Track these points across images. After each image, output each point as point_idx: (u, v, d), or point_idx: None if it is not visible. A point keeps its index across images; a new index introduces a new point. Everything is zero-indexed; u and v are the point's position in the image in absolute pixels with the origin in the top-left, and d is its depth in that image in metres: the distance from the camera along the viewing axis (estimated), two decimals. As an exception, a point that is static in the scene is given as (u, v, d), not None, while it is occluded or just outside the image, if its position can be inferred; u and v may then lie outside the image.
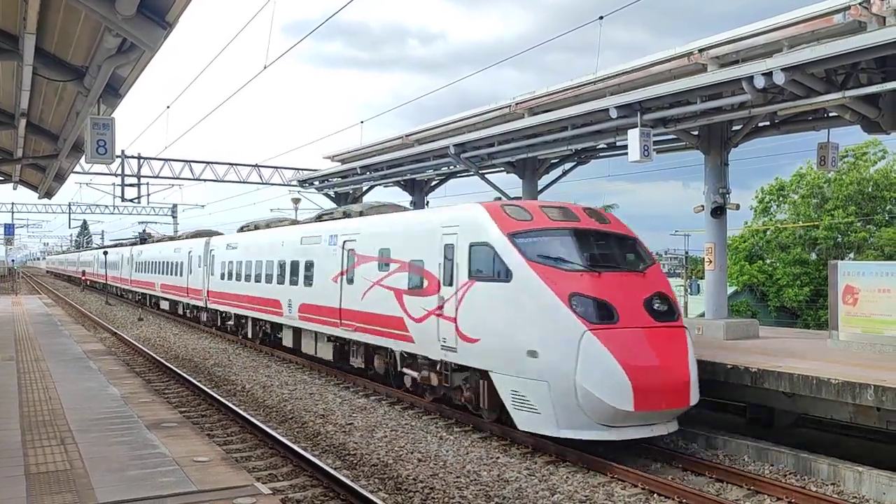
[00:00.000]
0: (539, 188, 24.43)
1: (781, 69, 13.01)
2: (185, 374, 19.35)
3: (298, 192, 39.97)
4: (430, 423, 14.35)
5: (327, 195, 36.23)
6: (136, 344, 26.18)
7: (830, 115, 16.17)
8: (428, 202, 31.07)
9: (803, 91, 13.86)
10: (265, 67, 17.37)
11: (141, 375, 18.90)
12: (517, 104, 22.02)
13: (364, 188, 34.02)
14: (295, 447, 11.92)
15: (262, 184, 43.01)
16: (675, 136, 18.15)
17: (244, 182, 42.68)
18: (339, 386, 18.48)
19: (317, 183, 35.45)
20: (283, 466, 11.48)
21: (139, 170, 40.38)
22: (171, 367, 20.69)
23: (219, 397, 16.25)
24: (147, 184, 43.91)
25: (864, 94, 13.43)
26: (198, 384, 17.90)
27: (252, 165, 42.52)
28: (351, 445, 12.76)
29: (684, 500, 9.68)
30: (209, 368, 21.67)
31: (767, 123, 17.72)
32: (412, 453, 12.20)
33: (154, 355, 23.11)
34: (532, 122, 20.00)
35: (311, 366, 21.09)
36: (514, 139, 20.97)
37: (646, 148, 15.92)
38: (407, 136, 28.08)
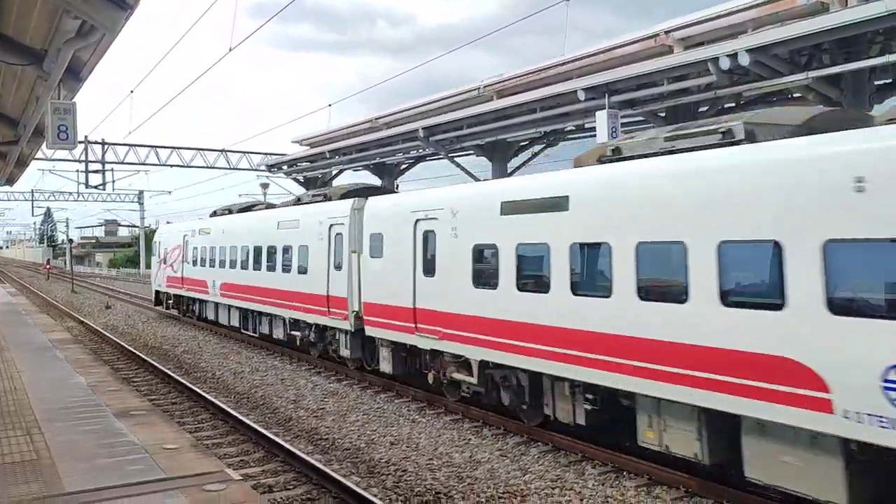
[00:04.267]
0: (508, 171, 24.47)
1: (746, 50, 13.14)
2: (153, 362, 19.15)
3: (267, 176, 39.65)
4: (403, 407, 14.37)
5: (296, 179, 36.03)
6: (104, 332, 25.84)
7: (794, 95, 16.38)
8: (398, 186, 31.00)
9: (767, 72, 14.00)
10: (230, 50, 17.15)
11: (109, 364, 18.69)
12: (486, 87, 22.00)
13: (333, 172, 33.85)
14: (266, 433, 11.89)
15: (230, 169, 42.66)
16: (642, 118, 18.26)
17: (211, 167, 42.29)
18: (310, 371, 18.42)
19: (285, 167, 35.23)
20: (254, 452, 11.44)
21: (103, 155, 39.77)
22: (140, 354, 20.47)
23: (188, 384, 16.12)
24: (112, 170, 43.24)
25: (827, 74, 13.61)
26: (167, 371, 17.74)
27: (219, 150, 42.12)
28: (323, 430, 12.75)
29: (653, 478, 9.82)
30: (178, 356, 21.47)
31: (733, 104, 17.89)
32: (384, 437, 12.23)
33: (122, 343, 22.84)
34: (501, 105, 20.02)
35: (282, 351, 21.00)
36: (483, 122, 20.98)
37: (614, 129, 16.02)
38: (376, 119, 27.95)
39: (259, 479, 10.03)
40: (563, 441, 11.33)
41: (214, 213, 27.61)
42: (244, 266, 22.00)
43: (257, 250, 21.17)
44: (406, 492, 9.57)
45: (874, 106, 14.71)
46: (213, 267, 24.79)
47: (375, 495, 9.15)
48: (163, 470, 8.03)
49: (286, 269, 19.10)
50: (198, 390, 15.47)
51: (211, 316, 26.14)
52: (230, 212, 26.23)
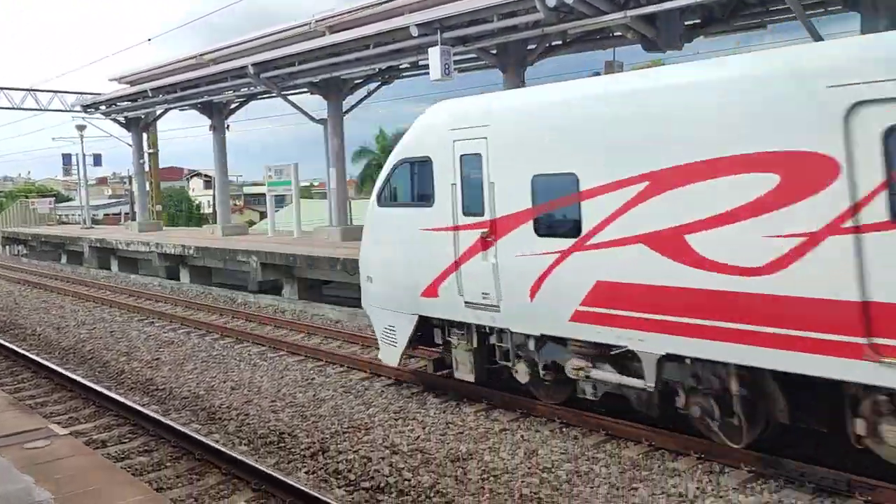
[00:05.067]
0: (344, 109, 24.10)
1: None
2: (-38, 322, 17.60)
3: (83, 118, 36.71)
4: (244, 352, 14.12)
5: (116, 120, 33.66)
6: None
7: (615, 34, 17.11)
8: (228, 126, 29.76)
9: (591, 11, 14.53)
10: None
11: None
12: (318, 22, 21.36)
13: (158, 112, 31.94)
14: (96, 387, 11.32)
15: (40, 110, 39.10)
16: (475, 55, 18.47)
17: (18, 108, 38.54)
18: (142, 322, 17.62)
19: (103, 107, 32.83)
20: (84, 409, 10.87)
21: None
22: (-54, 314, 18.73)
23: (3, 342, 14.95)
24: None
25: (644, 13, 14.31)
26: (-21, 331, 16.37)
27: (26, 90, 38.40)
28: (159, 380, 12.32)
29: (491, 402, 10.26)
30: (-8, 313, 19.84)
31: (560, 42, 18.46)
32: (225, 383, 12.00)
33: (-77, 303, 20.78)
34: (333, 41, 19.58)
35: (110, 301, 19.88)
36: (317, 58, 20.46)
37: (447, 66, 16.11)
38: (201, 55, 26.49)
39: (91, 434, 9.57)
40: (403, 375, 11.59)
41: None
42: None
43: None
44: (249, 435, 9.49)
45: (684, 44, 15.71)
46: None
47: (217, 441, 9.01)
48: (-23, 432, 7.48)
49: None
50: (14, 347, 14.40)
51: None
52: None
